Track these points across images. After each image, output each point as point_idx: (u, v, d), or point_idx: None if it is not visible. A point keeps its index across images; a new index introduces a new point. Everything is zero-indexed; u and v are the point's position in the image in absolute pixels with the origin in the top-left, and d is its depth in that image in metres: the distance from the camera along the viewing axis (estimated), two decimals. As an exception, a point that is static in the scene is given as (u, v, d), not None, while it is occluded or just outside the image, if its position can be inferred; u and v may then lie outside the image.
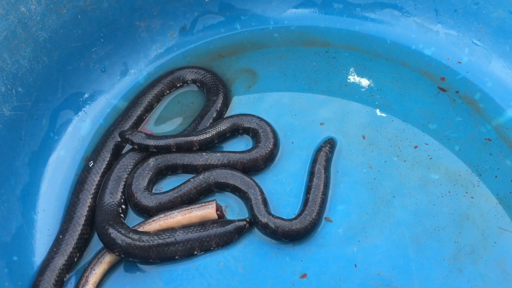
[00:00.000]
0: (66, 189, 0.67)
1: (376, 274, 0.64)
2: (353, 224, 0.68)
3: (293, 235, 0.65)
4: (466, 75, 0.80)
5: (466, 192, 0.70)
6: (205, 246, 0.64)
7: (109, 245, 0.60)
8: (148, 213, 0.65)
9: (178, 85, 0.76)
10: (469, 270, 0.64)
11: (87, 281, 0.60)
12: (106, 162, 0.67)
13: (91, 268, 0.61)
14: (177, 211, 0.66)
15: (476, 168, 0.72)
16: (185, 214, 0.66)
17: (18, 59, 0.63)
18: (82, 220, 0.63)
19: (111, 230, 0.60)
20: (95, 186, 0.65)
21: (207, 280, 0.63)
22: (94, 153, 0.68)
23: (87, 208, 0.63)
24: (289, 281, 0.63)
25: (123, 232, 0.60)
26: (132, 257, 0.60)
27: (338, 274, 0.64)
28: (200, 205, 0.66)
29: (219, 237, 0.65)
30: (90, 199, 0.64)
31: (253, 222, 0.66)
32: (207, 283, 0.62)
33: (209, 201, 0.67)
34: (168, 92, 0.76)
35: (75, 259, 0.61)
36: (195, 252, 0.63)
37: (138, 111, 0.72)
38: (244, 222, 0.66)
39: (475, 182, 0.71)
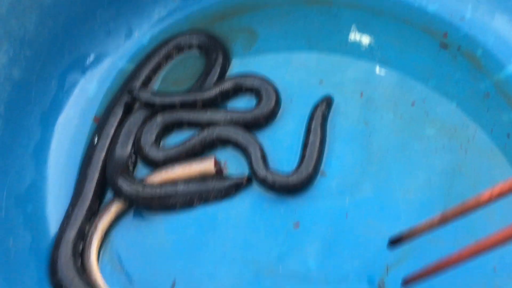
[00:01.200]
0: (76, 147, 0.71)
1: (366, 223, 0.67)
2: (346, 178, 0.70)
3: (290, 189, 0.68)
4: (469, 32, 0.80)
5: (461, 147, 0.72)
6: (204, 198, 0.68)
7: (117, 193, 0.66)
8: (156, 165, 0.70)
9: (180, 50, 0.79)
10: (459, 222, 0.66)
11: (96, 228, 0.65)
12: (110, 138, 0.71)
13: (99, 217, 0.66)
14: (177, 165, 0.70)
15: (473, 123, 0.73)
16: (185, 168, 0.70)
17: (25, 24, 0.67)
18: (90, 195, 0.67)
19: (119, 180, 0.65)
20: (101, 161, 0.69)
21: (205, 229, 0.67)
22: (98, 130, 0.72)
23: (95, 183, 0.67)
24: (283, 230, 0.67)
25: (130, 182, 0.66)
26: (137, 205, 0.66)
27: (330, 223, 0.67)
28: (199, 160, 0.71)
29: (217, 191, 0.69)
30: (97, 174, 0.68)
31: (251, 179, 0.70)
32: (205, 231, 0.67)
33: (208, 157, 0.71)
34: (171, 57, 0.78)
35: (85, 231, 0.66)
36: (195, 204, 0.68)
37: (145, 72, 0.75)
38: (243, 179, 0.69)
39: (470, 137, 0.72)
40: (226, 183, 0.69)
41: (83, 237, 0.65)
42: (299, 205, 0.69)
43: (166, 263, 0.65)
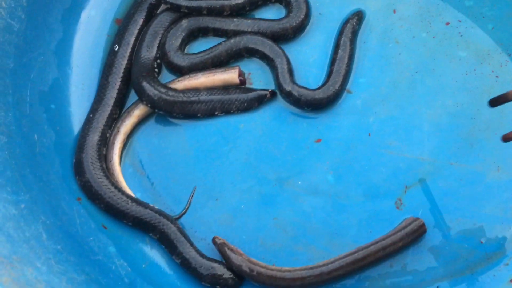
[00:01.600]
0: (98, 47, 0.70)
1: (388, 143, 0.67)
2: (372, 96, 0.69)
3: (315, 104, 0.67)
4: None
5: (492, 71, 0.69)
6: (226, 108, 0.67)
7: (140, 94, 0.65)
8: (180, 72, 0.69)
9: None
10: (481, 145, 0.66)
11: (118, 131, 0.65)
12: (131, 46, 0.68)
13: (122, 120, 0.66)
14: (201, 73, 0.69)
15: (507, 48, 0.70)
16: (208, 76, 0.68)
17: None
18: (111, 101, 0.66)
19: (143, 81, 0.65)
20: (122, 69, 0.67)
21: (227, 138, 0.67)
22: (118, 37, 0.69)
23: (116, 91, 0.66)
24: (304, 145, 0.67)
25: (153, 84, 0.65)
26: (158, 109, 0.65)
27: (351, 141, 0.67)
28: (223, 69, 0.69)
29: (240, 102, 0.68)
30: (119, 82, 0.67)
31: (275, 93, 0.68)
32: (227, 141, 0.67)
33: (232, 66, 0.70)
34: None
35: (107, 135, 0.65)
36: (216, 113, 0.67)
37: None
38: (266, 92, 0.68)
39: (502, 62, 0.69)
40: (249, 95, 0.68)
41: (105, 141, 0.65)
42: (322, 121, 0.68)
43: (188, 170, 0.66)
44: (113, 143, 0.65)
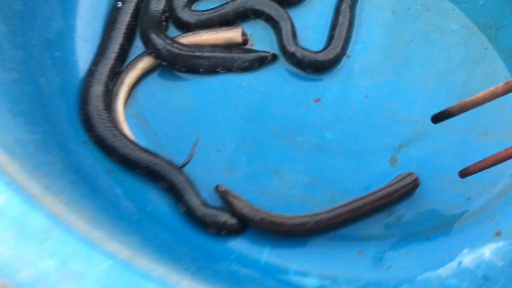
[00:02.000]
0: (101, 1, 0.70)
1: (384, 105, 0.70)
2: (369, 61, 0.72)
3: (317, 66, 0.70)
4: None
5: (482, 43, 0.73)
6: (228, 66, 0.69)
7: (146, 44, 0.67)
8: (187, 28, 0.70)
9: None
10: (470, 111, 0.70)
11: (122, 81, 0.66)
12: (134, 3, 0.69)
13: (125, 72, 0.67)
14: (204, 31, 0.70)
15: (496, 22, 0.74)
16: (211, 34, 0.70)
17: None
18: (113, 55, 0.66)
19: (150, 31, 0.66)
20: (125, 25, 0.68)
21: (230, 95, 0.69)
22: None
23: (119, 46, 0.67)
24: (304, 104, 0.69)
25: (160, 35, 0.66)
26: (162, 59, 0.66)
27: (349, 102, 0.70)
28: (226, 28, 0.71)
29: (241, 61, 0.69)
30: (121, 37, 0.67)
31: (276, 57, 0.71)
32: (230, 97, 0.69)
33: (235, 26, 0.71)
34: None
35: (109, 87, 0.66)
36: (218, 70, 0.69)
37: None
38: (268, 54, 0.70)
39: (491, 36, 0.74)
40: (251, 55, 0.70)
41: (109, 92, 0.65)
42: (321, 83, 0.71)
43: (191, 122, 0.67)
44: (117, 94, 0.66)
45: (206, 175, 0.64)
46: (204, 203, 0.61)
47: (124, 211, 0.55)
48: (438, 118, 0.62)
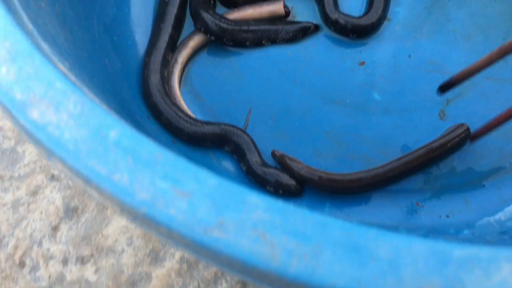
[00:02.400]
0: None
1: (428, 63, 0.72)
2: (409, 23, 0.74)
3: (360, 30, 0.72)
4: None
5: (519, -3, 0.75)
6: (273, 38, 0.72)
7: (196, 20, 0.71)
8: (234, 5, 0.74)
9: None
10: (514, 61, 0.71)
11: (176, 60, 0.70)
12: None
13: (178, 51, 0.71)
14: (248, 7, 0.74)
15: (533, -25, 0.75)
16: (256, 9, 0.73)
17: None
18: (163, 45, 0.70)
19: (200, 8, 0.70)
20: (173, 17, 0.71)
21: (277, 65, 0.72)
22: None
23: (168, 35, 0.70)
24: (348, 68, 0.72)
25: (209, 11, 0.70)
26: (211, 34, 0.70)
27: (393, 63, 0.72)
28: (269, 2, 0.74)
29: (285, 32, 0.72)
30: (171, 28, 0.71)
31: (318, 27, 0.74)
32: (277, 67, 0.72)
33: (277, 0, 0.74)
34: None
35: (164, 74, 0.69)
36: (263, 42, 0.72)
37: None
38: (311, 24, 0.73)
39: (529, -12, 0.75)
40: (295, 26, 0.73)
41: (165, 78, 0.69)
42: (364, 47, 0.73)
43: (242, 94, 0.70)
44: (172, 72, 0.70)
45: (262, 142, 0.67)
46: (265, 163, 0.64)
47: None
48: (445, 87, 0.65)
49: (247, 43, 0.72)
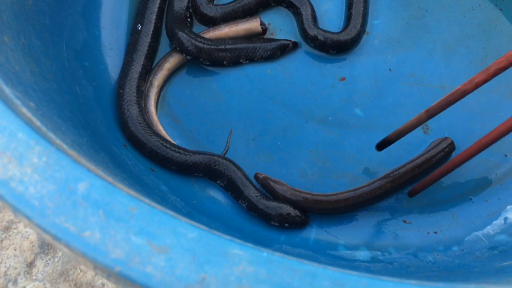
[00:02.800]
0: (121, 9, 0.72)
1: (409, 75, 0.71)
2: (388, 36, 0.73)
3: (340, 46, 0.71)
4: None
5: (496, 5, 0.74)
6: (250, 56, 0.70)
7: (171, 39, 0.69)
8: (213, 23, 0.72)
9: None
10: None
11: (151, 84, 0.68)
12: (153, 24, 0.70)
13: (153, 74, 0.68)
14: (224, 25, 0.72)
15: (507, -17, 0.75)
16: (231, 27, 0.71)
17: None
18: (136, 76, 0.67)
19: (175, 27, 0.68)
20: (147, 47, 0.69)
21: (257, 84, 0.70)
22: (139, 16, 0.71)
23: (141, 66, 0.68)
24: (329, 84, 0.71)
25: (185, 31, 0.68)
26: (186, 53, 0.68)
27: (374, 77, 0.71)
28: (245, 19, 0.72)
29: (263, 50, 0.71)
30: (143, 59, 0.68)
31: (297, 44, 0.72)
32: (257, 86, 0.70)
33: (253, 17, 0.73)
34: None
35: (141, 104, 0.67)
36: (241, 60, 0.70)
37: None
38: (289, 42, 0.72)
39: (505, -4, 0.75)
40: (273, 44, 0.71)
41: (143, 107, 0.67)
42: (344, 62, 0.72)
43: (222, 115, 0.68)
44: (148, 96, 0.68)
45: (244, 164, 0.65)
46: (265, 196, 0.62)
47: (173, 205, 0.56)
48: (380, 146, 0.64)
49: (225, 62, 0.70)
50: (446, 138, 0.64)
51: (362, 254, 0.59)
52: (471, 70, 0.71)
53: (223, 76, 0.71)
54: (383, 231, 0.62)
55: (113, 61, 0.69)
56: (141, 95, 0.67)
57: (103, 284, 0.61)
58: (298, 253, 0.58)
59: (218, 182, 0.63)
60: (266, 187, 0.63)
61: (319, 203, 0.61)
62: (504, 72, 0.71)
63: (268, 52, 0.71)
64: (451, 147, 0.64)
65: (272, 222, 0.60)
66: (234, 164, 0.63)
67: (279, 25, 0.74)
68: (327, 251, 0.60)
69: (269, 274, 0.28)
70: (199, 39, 0.68)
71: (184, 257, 0.29)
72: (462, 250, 0.59)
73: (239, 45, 0.70)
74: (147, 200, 0.31)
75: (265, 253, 0.29)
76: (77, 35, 0.67)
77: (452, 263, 0.56)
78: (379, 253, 0.60)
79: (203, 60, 0.69)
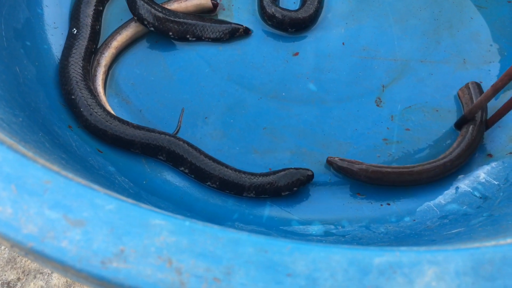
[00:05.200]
0: (64, -13, 0.69)
1: (362, 49, 0.70)
2: (341, 9, 0.73)
3: (299, 24, 0.70)
4: None
5: (447, -23, 0.74)
6: (197, 34, 0.69)
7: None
8: None
9: None
10: (446, 42, 0.71)
11: (99, 63, 0.65)
12: (90, 27, 0.67)
13: (100, 52, 0.66)
14: (173, 0, 0.70)
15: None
16: (181, 2, 0.70)
17: None
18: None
19: None
20: (83, 49, 0.66)
21: (208, 61, 0.69)
22: (74, 20, 0.68)
23: (80, 70, 0.64)
24: (282, 59, 0.69)
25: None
26: (132, 12, 0.67)
27: (327, 51, 0.70)
28: (196, -5, 0.70)
29: (212, 30, 0.69)
30: (81, 60, 0.65)
31: (248, 31, 0.71)
32: (208, 64, 0.68)
33: (204, -6, 0.71)
34: None
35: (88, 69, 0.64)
36: (188, 36, 0.69)
37: None
38: (240, 27, 0.70)
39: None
40: (223, 26, 0.70)
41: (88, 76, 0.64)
42: (297, 37, 0.71)
43: (173, 94, 0.66)
44: (95, 75, 0.65)
45: (197, 143, 0.64)
46: (257, 173, 0.61)
47: (120, 186, 0.55)
48: (458, 125, 0.65)
49: (170, 33, 0.68)
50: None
51: (315, 229, 0.59)
52: (423, 42, 0.71)
53: (174, 54, 0.69)
54: (337, 205, 0.62)
55: (58, 40, 0.67)
56: (87, 68, 0.65)
57: (52, 271, 0.59)
58: (251, 230, 0.57)
59: (159, 156, 0.61)
60: (343, 170, 0.61)
61: (401, 176, 0.60)
62: (456, 43, 0.72)
63: (217, 34, 0.70)
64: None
65: (282, 194, 0.61)
66: (176, 137, 0.62)
67: (238, 2, 0.72)
68: (280, 227, 0.59)
69: (191, 243, 0.27)
70: (155, 7, 0.67)
71: (102, 229, 0.27)
72: (414, 220, 0.59)
73: (189, 21, 0.68)
74: (64, 173, 0.30)
75: (187, 222, 0.28)
76: (17, 13, 0.64)
77: (403, 233, 0.56)
78: (332, 226, 0.60)
79: (148, 24, 0.67)
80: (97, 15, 0.69)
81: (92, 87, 0.64)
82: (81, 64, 0.64)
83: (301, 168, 0.61)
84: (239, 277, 0.27)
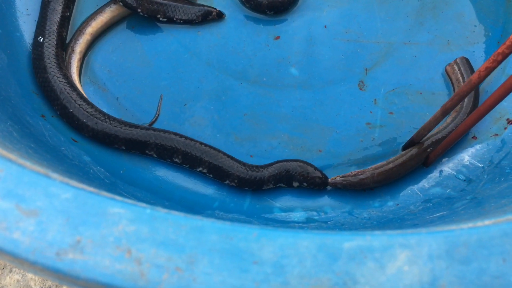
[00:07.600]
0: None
1: (345, 32, 0.69)
2: (323, -9, 0.71)
3: (277, 6, 0.68)
4: None
5: (431, -42, 0.73)
6: (168, 14, 0.67)
7: None
8: None
9: None
10: (430, 23, 0.69)
11: (73, 50, 0.63)
12: (56, 34, 0.64)
13: (74, 39, 0.64)
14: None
15: None
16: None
17: None
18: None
19: None
20: (54, 58, 0.62)
21: (186, 46, 0.67)
22: (40, 28, 0.64)
23: (62, 77, 0.61)
24: (263, 43, 0.68)
25: None
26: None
27: (309, 34, 0.68)
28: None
29: (183, 12, 0.67)
30: (56, 69, 0.61)
31: (221, 15, 0.69)
32: (186, 48, 0.67)
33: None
34: None
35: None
36: (158, 16, 0.67)
37: None
38: (213, 10, 0.68)
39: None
40: (195, 8, 0.68)
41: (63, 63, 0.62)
42: (278, 20, 0.69)
43: (151, 81, 0.65)
44: (70, 63, 0.64)
45: (177, 131, 0.62)
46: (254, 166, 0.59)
47: (95, 175, 0.53)
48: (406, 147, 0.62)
49: (139, 10, 0.65)
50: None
51: (298, 215, 0.58)
52: (407, 24, 0.69)
53: (151, 39, 0.67)
54: (320, 191, 0.61)
55: (30, 28, 0.64)
56: (61, 54, 0.62)
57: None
58: (231, 218, 0.56)
59: (200, 168, 0.59)
60: (350, 185, 0.58)
61: (404, 165, 0.59)
62: (440, 24, 0.70)
63: (188, 16, 0.68)
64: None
65: (294, 183, 0.60)
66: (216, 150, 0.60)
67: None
68: (262, 214, 0.58)
69: (152, 231, 0.26)
70: None
71: (57, 219, 0.26)
72: (397, 204, 0.59)
73: (160, 0, 0.66)
74: (21, 161, 0.28)
75: (148, 209, 0.27)
76: (-13, -1, 0.62)
77: (386, 218, 0.55)
78: (315, 213, 0.59)
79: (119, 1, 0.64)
80: (62, 22, 0.65)
81: (68, 74, 0.62)
82: (55, 52, 0.62)
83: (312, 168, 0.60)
84: (203, 266, 0.26)
